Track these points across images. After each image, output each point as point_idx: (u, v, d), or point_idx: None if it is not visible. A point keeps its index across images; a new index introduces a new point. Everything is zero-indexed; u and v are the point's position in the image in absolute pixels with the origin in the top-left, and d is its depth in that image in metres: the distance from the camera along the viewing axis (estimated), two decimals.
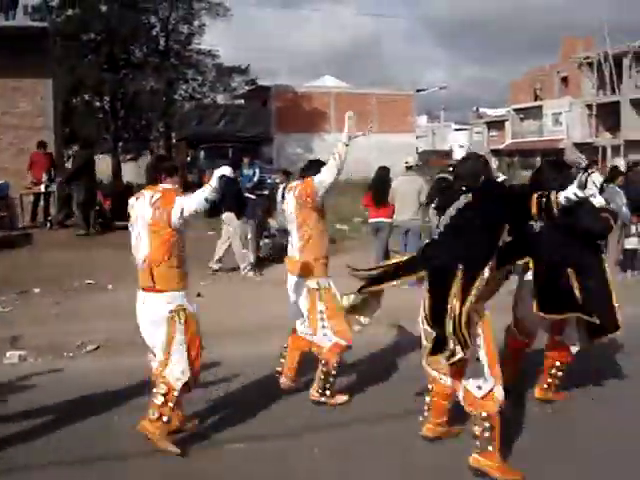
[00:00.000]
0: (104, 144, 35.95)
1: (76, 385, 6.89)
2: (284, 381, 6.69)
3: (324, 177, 6.23)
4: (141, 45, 35.88)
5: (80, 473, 5.15)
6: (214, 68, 37.58)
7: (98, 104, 36.94)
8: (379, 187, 12.69)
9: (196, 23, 36.49)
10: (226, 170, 5.34)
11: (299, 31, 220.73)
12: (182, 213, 5.27)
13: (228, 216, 12.91)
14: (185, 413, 5.65)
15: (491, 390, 5.02)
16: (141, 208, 5.45)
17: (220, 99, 38.35)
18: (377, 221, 12.60)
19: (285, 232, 14.49)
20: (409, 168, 12.54)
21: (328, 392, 6.39)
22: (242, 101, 40.47)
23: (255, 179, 17.71)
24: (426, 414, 5.60)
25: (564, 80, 57.80)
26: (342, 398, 6.50)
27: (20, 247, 14.35)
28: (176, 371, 5.35)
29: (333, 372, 6.36)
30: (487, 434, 4.96)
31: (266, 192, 17.07)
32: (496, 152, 61.37)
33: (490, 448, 4.97)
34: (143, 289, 5.49)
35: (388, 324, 8.86)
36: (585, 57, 53.41)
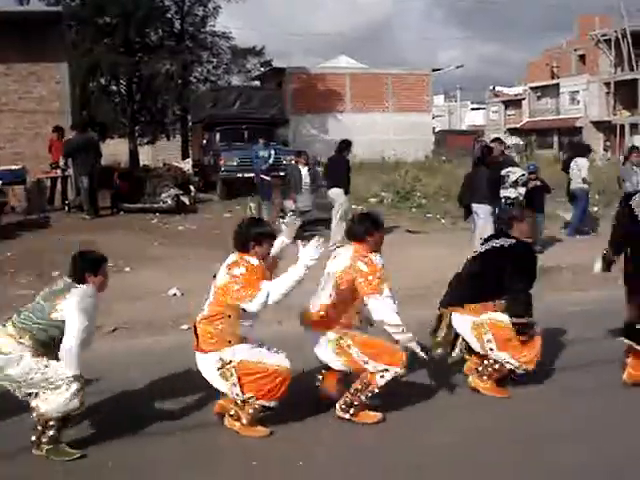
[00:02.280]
0: (121, 128, 36.10)
1: (93, 367, 6.96)
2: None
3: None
4: (156, 28, 35.82)
5: (96, 454, 5.23)
6: (229, 50, 37.52)
7: (114, 88, 37.03)
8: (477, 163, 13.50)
9: (210, 5, 36.35)
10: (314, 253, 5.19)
11: (313, 11, 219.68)
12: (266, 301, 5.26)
13: (335, 192, 13.00)
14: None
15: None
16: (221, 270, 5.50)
17: (235, 81, 38.32)
18: None
19: (301, 213, 14.63)
20: (507, 148, 12.92)
21: (352, 410, 5.71)
22: (257, 83, 40.40)
23: (271, 161, 17.79)
24: None
25: (581, 58, 57.31)
26: (374, 416, 5.79)
27: (38, 230, 14.48)
28: None
29: (369, 394, 5.66)
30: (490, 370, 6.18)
31: (282, 173, 17.12)
32: (513, 131, 61.04)
33: (485, 378, 6.22)
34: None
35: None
36: (602, 34, 52.86)
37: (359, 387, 5.64)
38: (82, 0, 32.42)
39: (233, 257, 5.49)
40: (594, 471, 4.92)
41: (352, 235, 5.97)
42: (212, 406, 5.76)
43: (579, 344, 7.55)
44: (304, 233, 14.39)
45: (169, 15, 36.30)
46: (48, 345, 5.10)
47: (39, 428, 5.13)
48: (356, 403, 5.66)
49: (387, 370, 5.54)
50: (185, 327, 8.39)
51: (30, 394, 5.12)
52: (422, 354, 5.70)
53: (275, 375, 5.34)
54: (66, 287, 5.21)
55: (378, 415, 5.75)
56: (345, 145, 14.07)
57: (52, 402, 5.03)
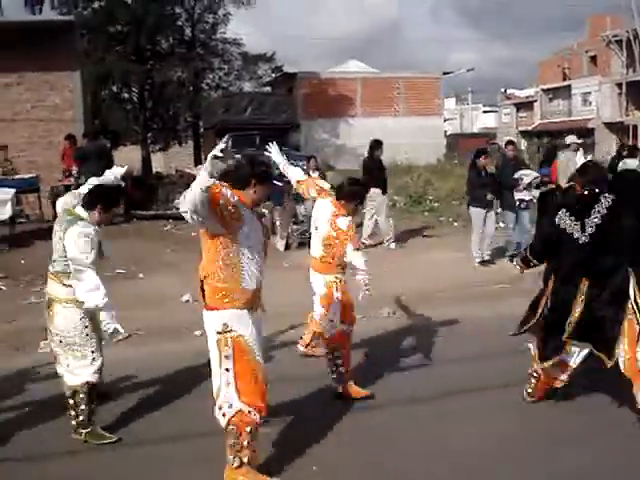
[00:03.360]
0: (133, 135, 36.24)
1: (106, 372, 7.00)
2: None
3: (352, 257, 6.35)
4: (167, 36, 35.95)
5: (108, 457, 5.26)
6: (240, 57, 37.60)
7: (126, 95, 37.15)
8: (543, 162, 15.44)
9: (221, 12, 36.46)
10: None
11: (323, 16, 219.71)
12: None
13: (374, 191, 13.28)
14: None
15: None
16: None
17: (247, 87, 38.43)
18: None
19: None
20: (567, 146, 14.61)
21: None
22: (268, 89, 40.52)
23: None
24: None
25: (593, 59, 57.05)
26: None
27: (52, 239, 14.52)
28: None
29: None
30: None
31: None
32: (525, 133, 60.86)
33: None
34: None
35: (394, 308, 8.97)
36: (614, 35, 52.62)
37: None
38: (93, 8, 32.62)
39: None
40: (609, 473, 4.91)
41: (341, 193, 6.64)
42: None
43: None
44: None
45: (179, 23, 36.41)
46: None
47: (72, 414, 5.50)
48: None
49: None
50: (198, 333, 8.41)
51: (56, 358, 5.66)
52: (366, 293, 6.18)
53: (263, 382, 4.91)
54: (71, 220, 5.69)
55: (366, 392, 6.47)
56: (375, 145, 14.24)
57: (77, 373, 5.54)
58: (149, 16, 31.98)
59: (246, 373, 4.80)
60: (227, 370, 4.80)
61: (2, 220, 14.26)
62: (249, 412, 4.78)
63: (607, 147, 47.58)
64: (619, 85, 52.69)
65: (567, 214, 5.89)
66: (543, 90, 61.82)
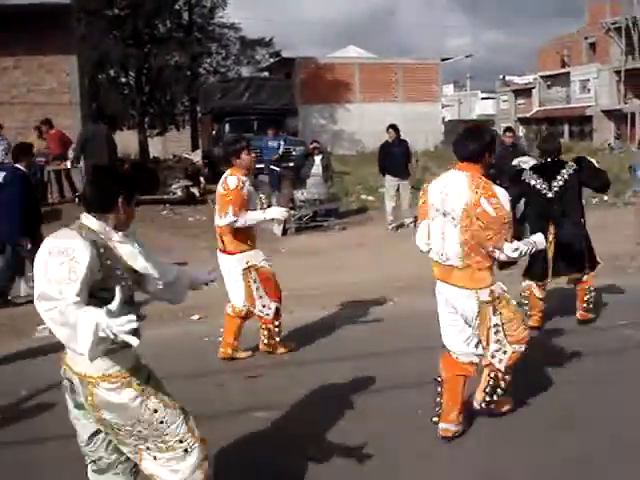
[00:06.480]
0: (130, 119, 36.14)
1: None
2: None
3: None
4: (164, 20, 35.84)
5: None
6: (237, 41, 37.52)
7: (124, 80, 37.05)
8: None
9: None
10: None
11: (321, 1, 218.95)
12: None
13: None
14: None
15: None
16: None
17: (244, 72, 38.30)
18: None
19: (311, 203, 14.67)
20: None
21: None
22: (266, 74, 40.40)
23: (280, 151, 17.82)
24: None
25: (592, 46, 56.92)
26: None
27: (49, 222, 14.50)
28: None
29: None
30: None
31: (291, 164, 17.14)
32: (524, 120, 60.77)
33: None
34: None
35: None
36: (613, 22, 52.46)
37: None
38: None
39: (225, 173, 6.71)
40: (605, 459, 4.90)
41: (464, 154, 4.82)
42: (225, 395, 5.80)
43: (604, 331, 7.51)
44: (311, 223, 14.58)
45: (177, 6, 36.29)
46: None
47: None
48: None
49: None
50: (195, 317, 8.43)
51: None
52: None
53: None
54: None
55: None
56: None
57: (175, 469, 3.68)
58: (147, 0, 31.85)
59: (274, 288, 6.79)
60: (258, 289, 6.63)
61: None
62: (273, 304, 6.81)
63: (605, 135, 47.57)
64: (618, 72, 52.58)
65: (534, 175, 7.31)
66: (542, 77, 61.67)
